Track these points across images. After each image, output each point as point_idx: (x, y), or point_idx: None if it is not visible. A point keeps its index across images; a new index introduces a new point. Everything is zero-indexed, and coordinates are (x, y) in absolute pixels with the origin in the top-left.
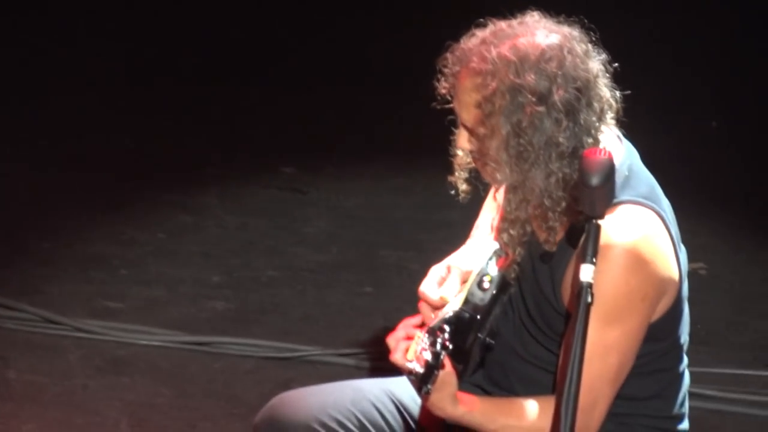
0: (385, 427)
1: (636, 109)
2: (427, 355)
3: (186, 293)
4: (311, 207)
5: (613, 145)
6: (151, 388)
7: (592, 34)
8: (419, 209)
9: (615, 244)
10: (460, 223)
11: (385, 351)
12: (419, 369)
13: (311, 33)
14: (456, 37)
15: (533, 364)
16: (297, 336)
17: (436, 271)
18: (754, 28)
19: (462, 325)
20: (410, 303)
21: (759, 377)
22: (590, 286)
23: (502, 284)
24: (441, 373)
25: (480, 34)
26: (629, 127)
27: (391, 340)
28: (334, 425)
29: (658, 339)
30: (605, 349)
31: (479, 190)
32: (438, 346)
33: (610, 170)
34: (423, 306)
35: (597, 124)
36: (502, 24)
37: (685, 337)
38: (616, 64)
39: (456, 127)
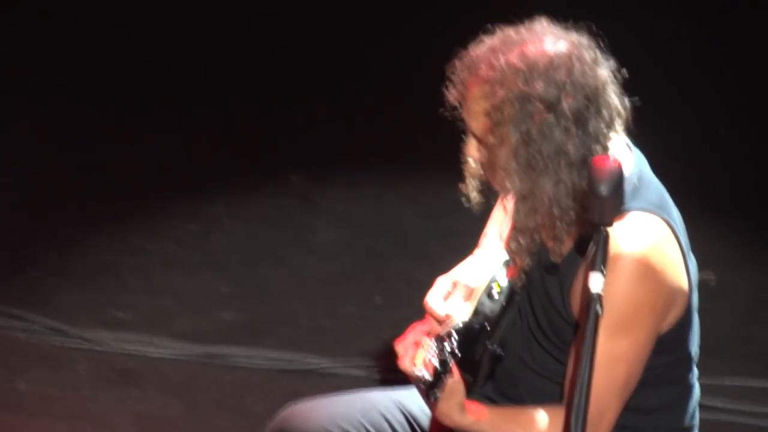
0: None
1: (643, 115)
2: (435, 362)
3: (195, 304)
4: (319, 216)
5: (623, 153)
6: (160, 399)
7: (600, 40)
8: (427, 217)
9: (624, 253)
10: (468, 231)
11: (394, 359)
12: (427, 375)
13: (319, 42)
14: (464, 44)
15: (542, 375)
16: (307, 347)
17: (442, 283)
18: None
19: (471, 335)
20: (419, 313)
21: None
22: (599, 296)
23: (512, 295)
24: (449, 380)
25: (488, 41)
26: (637, 133)
27: (400, 346)
28: None
29: (667, 350)
30: (613, 360)
31: (489, 198)
32: (446, 353)
33: (619, 179)
34: (430, 318)
35: (606, 132)
36: (510, 31)
37: (695, 349)
38: (624, 70)
39: (465, 135)
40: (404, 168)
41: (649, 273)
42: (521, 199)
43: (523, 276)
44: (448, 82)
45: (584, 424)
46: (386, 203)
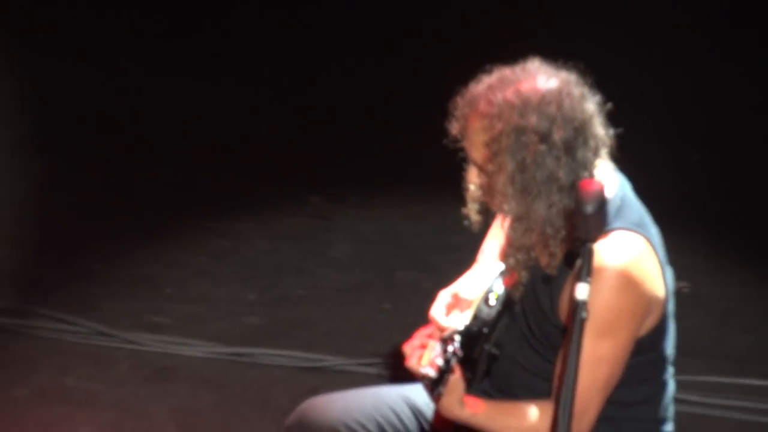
0: (402, 429)
1: (627, 143)
2: (440, 362)
3: (224, 309)
4: (335, 232)
5: (608, 178)
6: (193, 393)
7: (587, 77)
8: (431, 234)
9: (608, 266)
10: (467, 246)
11: (402, 359)
12: (432, 374)
13: (341, 76)
14: (466, 82)
15: (533, 372)
16: (323, 347)
17: (443, 296)
18: (741, 60)
19: (471, 337)
20: (424, 318)
21: (739, 385)
22: (585, 303)
23: (507, 302)
24: (451, 377)
25: (486, 79)
26: (622, 160)
27: (407, 348)
28: (357, 427)
29: (645, 351)
30: (597, 360)
31: (487, 218)
32: (449, 354)
33: (602, 199)
34: (433, 328)
35: (593, 159)
36: (506, 70)
37: (670, 350)
38: (609, 105)
39: (467, 163)
40: (411, 190)
41: (629, 284)
42: (517, 220)
43: (521, 288)
44: (451, 116)
45: (570, 417)
46: (395, 221)
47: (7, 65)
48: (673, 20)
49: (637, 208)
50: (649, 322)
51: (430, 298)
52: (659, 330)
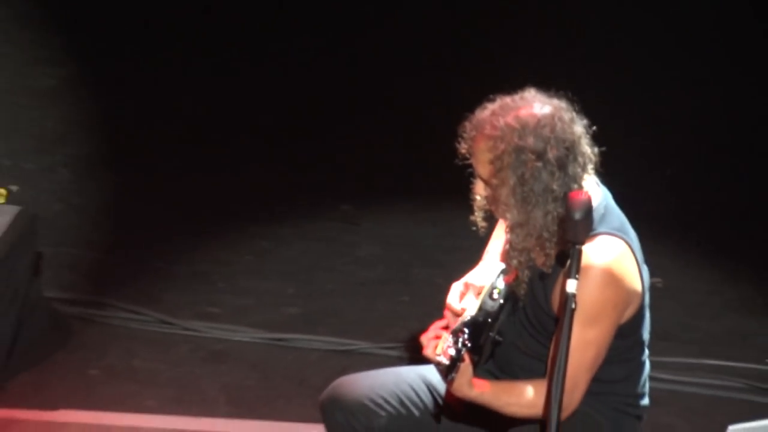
0: (419, 403)
1: (609, 160)
2: (452, 351)
3: (267, 301)
4: (361, 235)
5: (593, 189)
6: (241, 373)
7: (575, 104)
8: (443, 237)
9: (594, 264)
10: (473, 248)
11: (419, 346)
12: (446, 361)
13: (375, 105)
14: (472, 109)
15: (530, 356)
16: (351, 334)
17: (456, 286)
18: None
19: (477, 326)
20: (437, 309)
21: (702, 365)
22: (574, 296)
23: (508, 295)
24: (462, 364)
25: (490, 106)
26: (605, 174)
27: (424, 339)
28: (381, 401)
29: (625, 336)
30: (584, 344)
31: (491, 223)
32: (460, 344)
33: (589, 207)
34: (448, 313)
35: (581, 173)
36: (507, 99)
37: (646, 335)
38: (594, 127)
39: (474, 178)
40: (426, 200)
41: (612, 280)
42: (518, 226)
43: (524, 285)
44: (460, 138)
45: (562, 392)
46: (412, 226)
47: (79, 77)
48: (654, 45)
49: (618, 215)
50: (629, 312)
51: (442, 291)
52: (637, 318)
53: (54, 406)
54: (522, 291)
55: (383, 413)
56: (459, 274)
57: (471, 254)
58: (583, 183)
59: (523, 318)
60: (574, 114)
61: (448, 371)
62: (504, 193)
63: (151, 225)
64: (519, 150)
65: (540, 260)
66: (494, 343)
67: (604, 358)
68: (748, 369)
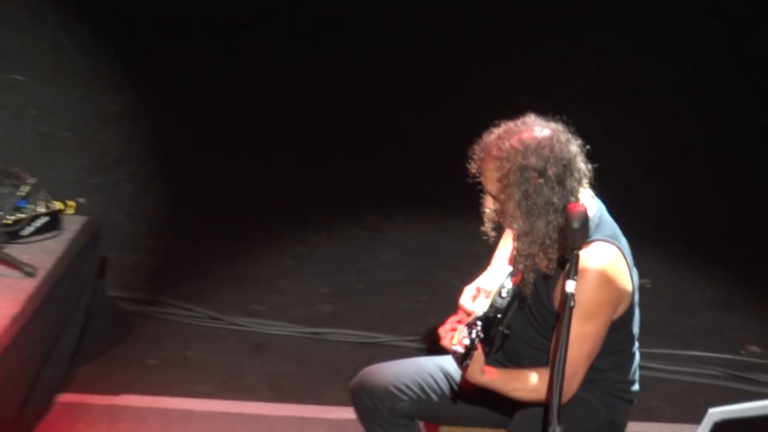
0: (437, 389)
1: (602, 175)
2: (467, 342)
3: (304, 300)
4: (386, 242)
5: (589, 201)
6: (281, 363)
7: (570, 126)
8: (457, 243)
9: (590, 267)
10: (484, 253)
11: (437, 338)
12: (461, 350)
13: (400, 126)
14: (480, 133)
15: (535, 347)
16: (378, 328)
17: (468, 289)
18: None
19: (488, 320)
20: (453, 306)
21: (685, 356)
22: (572, 295)
23: (515, 294)
24: (475, 353)
25: (496, 131)
26: (598, 187)
27: (441, 331)
28: (403, 387)
29: (618, 330)
30: (582, 338)
31: (499, 232)
32: (474, 335)
33: (586, 217)
34: (461, 313)
35: (578, 187)
36: (510, 124)
37: (636, 329)
38: (588, 147)
39: (484, 193)
40: (443, 211)
41: (606, 281)
42: (524, 235)
43: (530, 286)
44: (470, 159)
45: (562, 380)
46: (430, 234)
47: (139, 104)
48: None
49: (611, 224)
50: (621, 309)
51: (457, 291)
52: (628, 315)
53: (116, 392)
54: (527, 291)
55: (405, 398)
56: (472, 276)
57: (482, 259)
58: (580, 196)
59: (529, 314)
60: (570, 135)
61: (462, 359)
62: (510, 206)
63: (202, 234)
64: (523, 169)
65: (543, 264)
66: (503, 336)
67: (599, 350)
68: (725, 359)
